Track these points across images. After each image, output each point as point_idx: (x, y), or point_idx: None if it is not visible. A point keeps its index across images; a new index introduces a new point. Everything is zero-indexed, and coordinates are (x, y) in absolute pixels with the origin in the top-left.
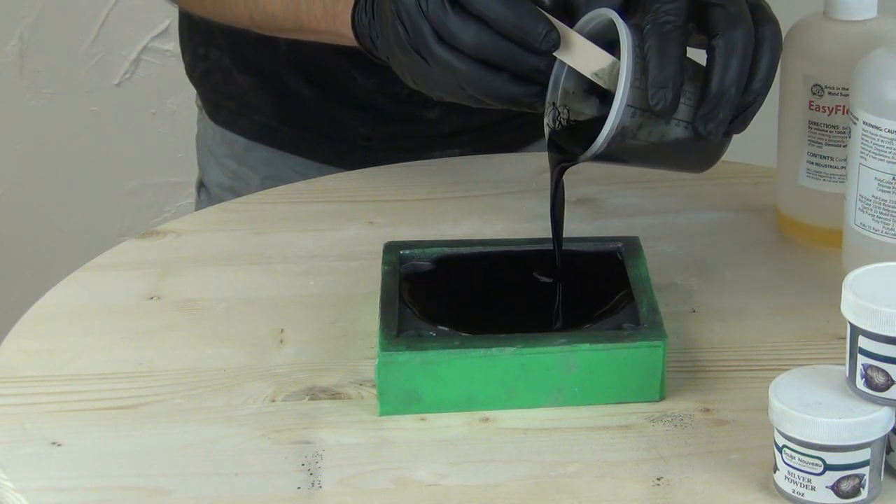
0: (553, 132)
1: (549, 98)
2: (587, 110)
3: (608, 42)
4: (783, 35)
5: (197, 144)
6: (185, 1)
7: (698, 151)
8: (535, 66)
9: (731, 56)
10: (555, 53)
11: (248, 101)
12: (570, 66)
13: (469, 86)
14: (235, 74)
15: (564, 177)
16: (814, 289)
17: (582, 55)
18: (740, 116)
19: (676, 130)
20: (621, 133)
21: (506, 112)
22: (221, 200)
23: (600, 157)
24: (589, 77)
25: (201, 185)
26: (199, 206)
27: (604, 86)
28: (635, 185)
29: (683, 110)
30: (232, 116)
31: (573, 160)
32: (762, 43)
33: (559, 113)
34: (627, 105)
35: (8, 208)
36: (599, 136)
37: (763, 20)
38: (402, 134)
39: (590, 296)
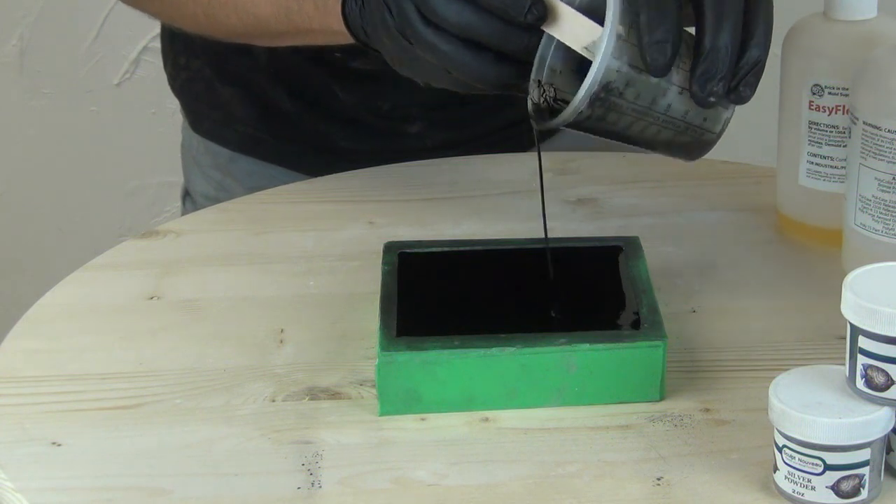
0: (536, 107)
1: (533, 75)
2: (574, 90)
3: (602, 16)
4: (783, 36)
5: (182, 153)
6: (180, 19)
7: (693, 127)
8: (522, 43)
9: (720, 11)
10: (543, 27)
11: (232, 112)
12: (557, 44)
13: (455, 69)
14: (217, 85)
15: (566, 176)
16: (814, 289)
17: (570, 28)
18: (744, 81)
19: (669, 96)
20: (606, 89)
21: (488, 126)
22: None
23: (585, 122)
24: (579, 52)
25: (186, 195)
26: (185, 215)
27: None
28: (635, 185)
29: (675, 75)
30: (215, 127)
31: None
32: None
33: (544, 90)
34: (613, 57)
35: (8, 208)
36: (581, 88)
37: None
38: (384, 148)
39: (590, 296)
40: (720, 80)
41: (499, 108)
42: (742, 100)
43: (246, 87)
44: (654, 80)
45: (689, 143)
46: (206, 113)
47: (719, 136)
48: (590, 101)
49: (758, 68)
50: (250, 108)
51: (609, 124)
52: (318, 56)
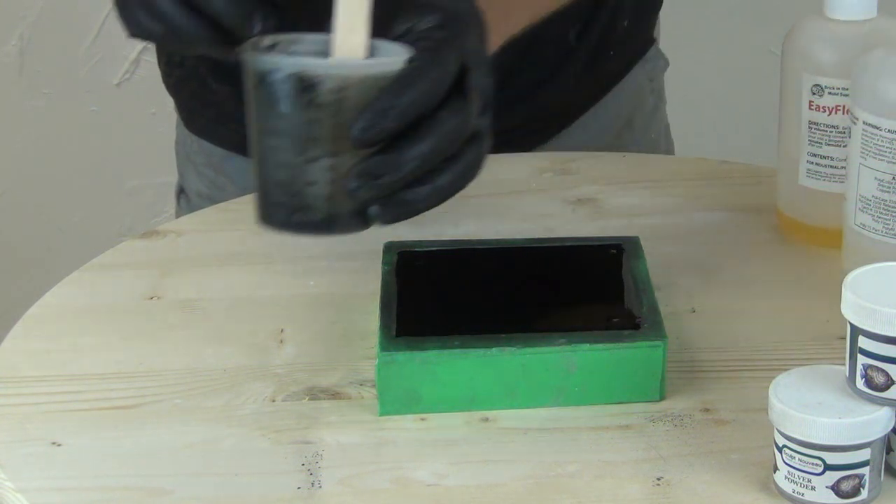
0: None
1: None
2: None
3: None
4: (784, 36)
5: (176, 151)
6: None
7: (308, 197)
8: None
9: (425, 73)
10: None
11: (226, 111)
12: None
13: (163, 21)
14: (211, 83)
15: (566, 176)
16: (814, 289)
17: (349, 49)
18: (392, 198)
19: (334, 153)
20: (308, 77)
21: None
22: (201, 208)
23: (259, 81)
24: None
25: (181, 192)
26: (180, 213)
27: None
28: (635, 185)
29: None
30: (209, 125)
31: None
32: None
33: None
34: (344, 66)
35: (8, 208)
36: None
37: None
38: None
39: (590, 296)
40: (382, 132)
41: (496, 113)
42: (380, 215)
43: (240, 86)
44: (350, 121)
45: (287, 204)
46: (200, 111)
47: (315, 231)
48: (290, 74)
49: (416, 196)
50: (244, 106)
51: (266, 107)
52: None
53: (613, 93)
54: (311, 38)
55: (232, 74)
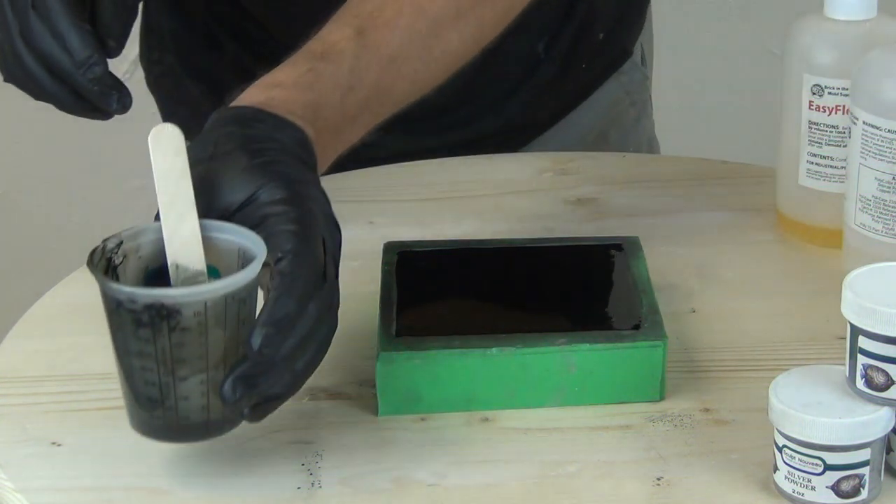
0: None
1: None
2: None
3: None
4: (784, 35)
5: None
6: None
7: (177, 415)
8: (84, 84)
9: (304, 274)
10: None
11: (202, 110)
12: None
13: (33, 82)
14: (186, 81)
15: (566, 176)
16: (814, 289)
17: (184, 241)
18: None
19: (205, 370)
20: (174, 306)
21: (446, 140)
22: None
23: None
24: (168, 262)
25: None
26: None
27: (171, 282)
28: (635, 185)
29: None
30: (184, 123)
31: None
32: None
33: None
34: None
35: (8, 208)
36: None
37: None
38: (343, 155)
39: (590, 296)
40: (258, 392)
41: (463, 123)
42: (252, 413)
43: (212, 84)
44: (216, 337)
45: (162, 417)
46: (175, 109)
47: (195, 439)
48: (150, 305)
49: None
50: (217, 105)
51: (128, 331)
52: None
53: (586, 105)
54: (153, 228)
55: (207, 74)
